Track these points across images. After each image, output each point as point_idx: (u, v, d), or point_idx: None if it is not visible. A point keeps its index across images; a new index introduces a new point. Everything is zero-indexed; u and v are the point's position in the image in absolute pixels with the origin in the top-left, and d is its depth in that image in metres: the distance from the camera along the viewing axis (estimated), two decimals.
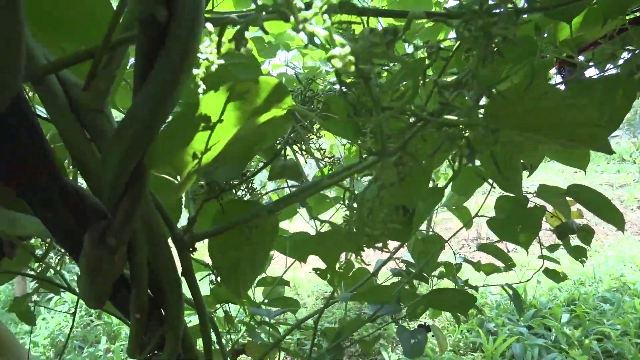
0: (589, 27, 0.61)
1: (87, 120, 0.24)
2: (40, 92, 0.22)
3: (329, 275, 0.44)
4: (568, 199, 0.97)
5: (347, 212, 0.24)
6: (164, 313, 0.34)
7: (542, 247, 1.22)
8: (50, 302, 3.65)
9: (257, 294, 1.25)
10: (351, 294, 0.79)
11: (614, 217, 0.84)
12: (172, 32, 0.15)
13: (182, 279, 0.32)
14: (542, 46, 0.54)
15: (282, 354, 1.21)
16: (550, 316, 2.60)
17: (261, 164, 0.44)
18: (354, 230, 0.25)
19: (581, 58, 0.71)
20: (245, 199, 0.34)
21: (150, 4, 0.15)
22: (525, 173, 0.99)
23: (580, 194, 0.85)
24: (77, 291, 0.72)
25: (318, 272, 0.51)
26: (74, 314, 0.88)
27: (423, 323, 1.48)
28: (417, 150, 0.20)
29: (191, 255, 0.31)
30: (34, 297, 0.94)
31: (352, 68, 0.14)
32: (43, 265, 0.91)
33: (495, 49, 0.18)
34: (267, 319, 0.71)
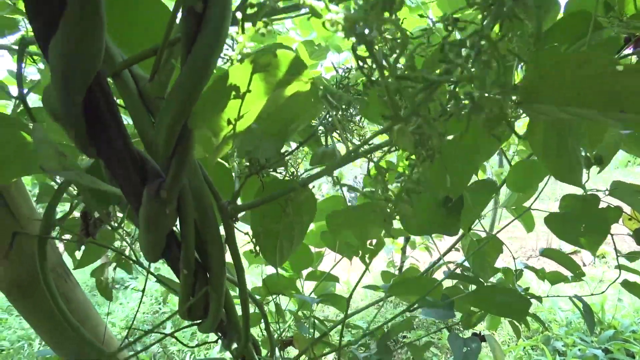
0: None
1: (152, 106, 0.29)
2: (117, 85, 0.27)
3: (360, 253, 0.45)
4: None
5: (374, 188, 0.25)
6: (209, 274, 0.37)
7: (617, 254, 1.09)
8: (127, 290, 4.09)
9: (305, 289, 1.28)
10: (390, 285, 0.78)
11: None
12: (206, 19, 0.19)
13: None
14: (605, 22, 0.50)
15: (328, 349, 1.23)
16: (635, 341, 2.28)
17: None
18: (381, 208, 0.26)
19: None
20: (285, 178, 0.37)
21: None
22: (595, 169, 0.90)
23: None
24: (146, 269, 0.80)
25: (352, 247, 0.52)
26: (142, 292, 0.97)
27: (478, 332, 1.40)
28: (441, 125, 0.21)
29: (233, 224, 0.34)
30: (111, 274, 1.06)
31: (343, 31, 0.15)
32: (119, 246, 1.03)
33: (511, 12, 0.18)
34: (310, 302, 0.73)
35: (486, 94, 0.23)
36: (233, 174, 0.42)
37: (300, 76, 0.23)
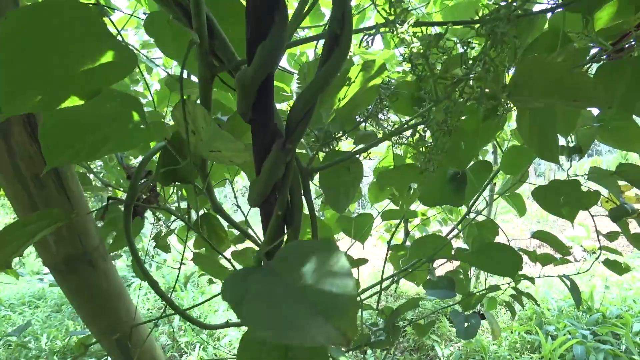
0: (629, 14, 0.69)
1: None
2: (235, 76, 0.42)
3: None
4: (623, 183, 1.01)
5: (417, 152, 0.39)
6: (289, 221, 0.51)
7: (598, 234, 1.24)
8: (130, 288, 4.13)
9: None
10: (411, 244, 0.89)
11: None
12: (341, 39, 0.33)
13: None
14: (574, 37, 0.64)
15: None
16: (621, 324, 2.44)
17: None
18: (419, 164, 0.40)
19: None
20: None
21: (334, 26, 0.33)
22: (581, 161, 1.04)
23: (629, 172, 0.90)
24: (186, 222, 0.93)
25: (391, 197, 0.66)
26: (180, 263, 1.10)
27: (478, 310, 1.52)
28: (461, 113, 0.35)
29: (309, 181, 0.48)
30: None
31: (420, 51, 0.30)
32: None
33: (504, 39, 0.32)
34: None
35: (487, 90, 0.38)
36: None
37: (381, 76, 0.37)
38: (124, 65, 0.33)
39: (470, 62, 0.33)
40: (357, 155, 0.49)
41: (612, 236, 1.28)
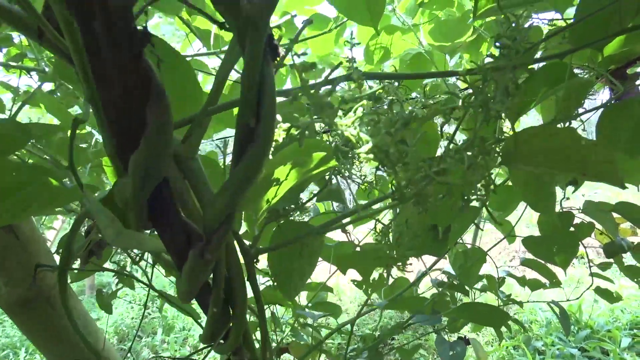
0: (636, 41, 0.61)
1: (182, 165, 0.33)
2: None
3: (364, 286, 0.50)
4: (617, 215, 0.94)
5: (379, 237, 0.30)
6: (232, 310, 0.42)
7: (590, 264, 1.18)
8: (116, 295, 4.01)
9: (301, 298, 1.32)
10: (386, 302, 0.84)
11: None
12: (257, 132, 0.23)
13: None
14: (581, 65, 0.56)
15: (323, 355, 1.28)
16: (609, 339, 2.41)
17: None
18: (386, 250, 0.31)
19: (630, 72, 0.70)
20: (299, 220, 0.42)
21: (246, 116, 0.23)
22: (572, 188, 0.97)
23: (627, 210, 0.83)
24: (148, 284, 0.84)
25: (356, 282, 0.57)
26: (144, 305, 1.01)
27: (463, 336, 1.47)
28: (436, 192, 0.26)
29: (255, 265, 0.39)
30: (112, 288, 1.09)
31: (374, 154, 0.20)
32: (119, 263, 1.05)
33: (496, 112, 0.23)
34: (310, 321, 0.78)
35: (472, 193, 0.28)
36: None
37: (327, 166, 0.28)
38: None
39: (450, 156, 0.24)
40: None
41: (604, 267, 1.22)
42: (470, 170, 0.23)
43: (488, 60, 0.29)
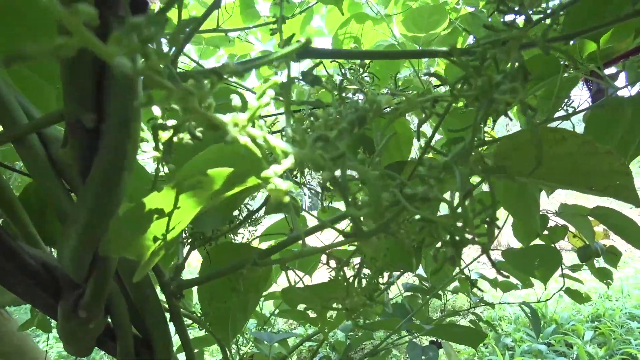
0: (620, 38, 0.57)
1: (66, 174, 0.23)
2: (20, 151, 0.22)
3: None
4: (592, 218, 0.91)
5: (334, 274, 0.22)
6: (154, 355, 0.32)
7: (562, 267, 1.16)
8: None
9: (266, 306, 1.23)
10: (351, 326, 0.77)
11: None
12: (104, 137, 0.14)
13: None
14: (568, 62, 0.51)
15: None
16: (573, 333, 2.48)
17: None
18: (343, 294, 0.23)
19: (613, 70, 0.66)
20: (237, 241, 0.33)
21: (76, 111, 0.13)
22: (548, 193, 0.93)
23: (604, 216, 0.79)
24: None
25: (310, 319, 0.49)
26: None
27: (435, 340, 1.44)
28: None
29: (179, 301, 0.30)
30: None
31: (284, 195, 0.12)
32: None
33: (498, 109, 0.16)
34: (267, 342, 0.69)
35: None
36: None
37: (246, 182, 0.19)
38: None
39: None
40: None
41: (575, 268, 1.21)
42: (465, 198, 0.15)
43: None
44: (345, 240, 0.18)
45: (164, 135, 0.16)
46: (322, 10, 1.07)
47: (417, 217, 0.15)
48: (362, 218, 0.16)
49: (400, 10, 1.18)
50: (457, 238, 0.14)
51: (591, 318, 2.73)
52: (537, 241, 0.91)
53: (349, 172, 0.15)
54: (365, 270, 0.27)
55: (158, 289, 0.31)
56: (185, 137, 0.15)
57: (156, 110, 0.16)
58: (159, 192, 0.16)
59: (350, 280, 0.23)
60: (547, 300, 1.47)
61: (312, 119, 0.16)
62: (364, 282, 0.24)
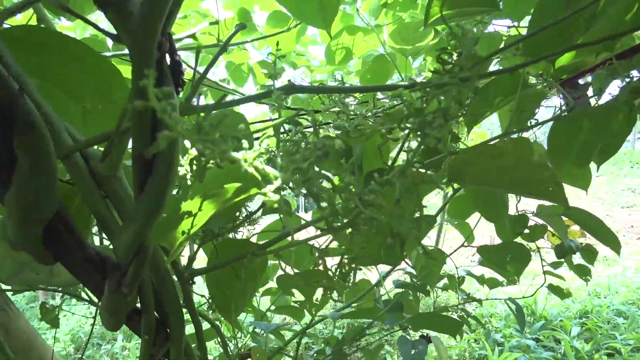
0: (587, 54, 0.63)
1: (104, 184, 0.29)
2: (67, 167, 0.28)
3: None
4: (565, 218, 0.98)
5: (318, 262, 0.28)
6: (169, 332, 0.38)
7: (543, 264, 1.23)
8: (72, 300, 3.78)
9: (263, 302, 1.29)
10: (340, 313, 0.84)
11: (609, 240, 0.85)
12: (156, 165, 0.20)
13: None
14: (530, 77, 0.57)
15: (288, 359, 1.26)
16: (561, 329, 2.56)
17: None
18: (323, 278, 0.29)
19: (589, 79, 0.72)
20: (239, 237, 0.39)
21: (140, 145, 0.19)
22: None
23: (575, 215, 0.86)
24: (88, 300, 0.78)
25: (299, 303, 0.55)
26: (94, 317, 0.94)
27: (425, 334, 1.50)
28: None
29: (191, 286, 0.36)
30: (57, 301, 1.01)
31: (276, 199, 0.18)
32: None
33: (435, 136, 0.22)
34: (264, 331, 0.75)
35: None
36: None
37: (248, 193, 0.25)
38: None
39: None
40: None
41: (556, 265, 1.28)
42: (401, 203, 0.21)
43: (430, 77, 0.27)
44: (322, 234, 0.24)
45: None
46: None
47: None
48: (336, 217, 0.22)
49: (390, 21, 1.24)
50: (394, 231, 0.20)
51: (579, 314, 2.81)
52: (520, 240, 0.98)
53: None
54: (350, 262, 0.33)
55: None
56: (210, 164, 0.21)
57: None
58: (191, 200, 0.22)
59: (330, 267, 0.29)
60: (532, 296, 1.54)
61: (295, 147, 0.22)
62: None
